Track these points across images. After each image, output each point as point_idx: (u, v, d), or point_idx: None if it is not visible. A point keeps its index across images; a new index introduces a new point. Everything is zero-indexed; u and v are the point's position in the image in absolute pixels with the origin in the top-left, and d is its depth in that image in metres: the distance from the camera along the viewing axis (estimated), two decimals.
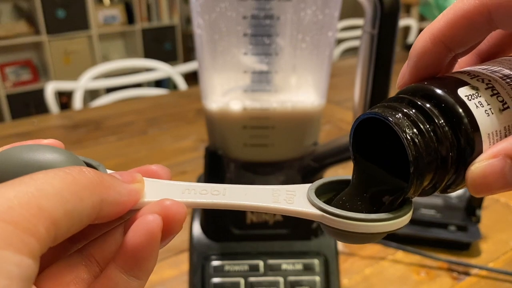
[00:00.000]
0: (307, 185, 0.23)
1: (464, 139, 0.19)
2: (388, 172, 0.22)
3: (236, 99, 0.41)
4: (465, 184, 0.19)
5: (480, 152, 0.19)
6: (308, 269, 0.43)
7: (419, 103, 0.20)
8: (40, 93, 1.83)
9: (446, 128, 0.19)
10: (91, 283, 0.20)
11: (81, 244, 0.21)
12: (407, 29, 2.24)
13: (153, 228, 0.19)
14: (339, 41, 2.00)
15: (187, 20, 3.19)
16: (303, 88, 0.42)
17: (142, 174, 0.22)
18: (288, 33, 0.38)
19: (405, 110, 0.20)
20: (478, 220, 0.58)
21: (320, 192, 0.23)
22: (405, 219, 0.21)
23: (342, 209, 0.21)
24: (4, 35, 2.48)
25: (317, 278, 0.43)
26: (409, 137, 0.19)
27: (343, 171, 0.76)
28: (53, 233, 0.17)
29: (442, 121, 0.19)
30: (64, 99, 2.64)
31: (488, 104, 0.19)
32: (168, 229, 0.20)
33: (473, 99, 0.19)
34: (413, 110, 0.20)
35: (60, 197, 0.17)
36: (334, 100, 1.08)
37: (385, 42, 0.36)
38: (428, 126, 0.19)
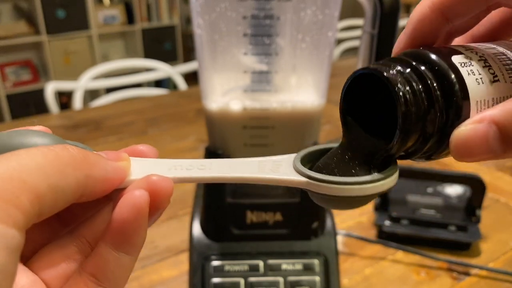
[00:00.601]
0: (294, 155, 0.23)
1: (454, 103, 0.19)
2: (375, 135, 0.22)
3: (236, 99, 0.41)
4: (449, 150, 0.19)
5: (467, 118, 0.19)
6: (308, 269, 0.43)
7: (413, 63, 0.20)
8: (40, 93, 1.83)
9: (438, 92, 0.19)
10: (83, 262, 0.20)
11: (71, 226, 0.22)
12: None
13: (140, 203, 0.19)
14: (339, 41, 2.00)
15: (187, 20, 3.19)
16: (303, 88, 0.42)
17: (129, 154, 0.22)
18: (288, 33, 0.38)
19: (399, 68, 0.20)
20: (478, 220, 0.58)
21: (307, 161, 0.23)
22: (392, 179, 0.21)
23: (328, 175, 0.21)
24: (4, 35, 2.48)
25: (317, 278, 0.43)
26: (401, 93, 0.19)
27: None
28: (37, 207, 0.17)
29: (434, 83, 0.19)
30: (64, 99, 2.64)
31: (480, 74, 0.20)
32: (156, 204, 0.20)
33: (466, 66, 0.20)
34: (408, 70, 0.20)
35: (42, 172, 0.17)
36: (334, 100, 1.07)
37: (385, 42, 0.36)
38: (420, 86, 0.19)
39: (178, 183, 0.22)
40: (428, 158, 0.21)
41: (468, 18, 0.22)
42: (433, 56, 0.20)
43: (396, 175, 0.21)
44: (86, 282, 0.19)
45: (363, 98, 0.22)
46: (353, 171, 0.22)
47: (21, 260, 0.19)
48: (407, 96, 0.19)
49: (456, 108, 0.19)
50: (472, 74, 0.20)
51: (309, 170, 0.22)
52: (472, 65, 0.20)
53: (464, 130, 0.18)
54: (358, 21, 2.05)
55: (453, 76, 0.19)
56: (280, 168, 0.23)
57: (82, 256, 0.20)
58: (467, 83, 0.19)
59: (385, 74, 0.19)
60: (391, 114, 0.20)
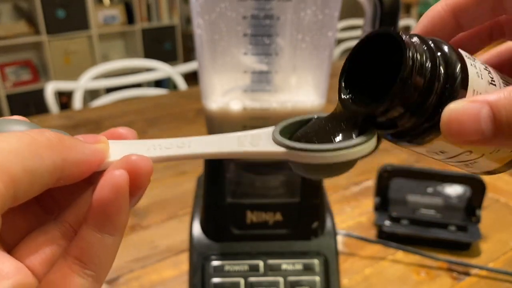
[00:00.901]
0: (273, 127, 0.23)
1: (453, 85, 0.19)
2: (366, 102, 0.22)
3: (236, 99, 0.41)
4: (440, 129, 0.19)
5: None
6: (308, 269, 0.43)
7: (429, 42, 0.20)
8: (40, 93, 1.83)
9: (442, 70, 0.20)
10: (67, 247, 0.20)
11: (54, 213, 0.21)
12: (407, 29, 2.24)
13: (120, 182, 0.19)
14: (339, 41, 2.00)
15: (187, 20, 3.19)
16: (303, 88, 0.42)
17: (109, 137, 0.22)
18: (288, 33, 0.38)
19: (415, 40, 0.20)
20: (478, 220, 0.58)
21: (287, 133, 0.23)
22: (371, 144, 0.21)
23: (307, 144, 0.21)
24: (4, 35, 2.48)
25: (317, 278, 0.43)
26: (410, 56, 0.19)
27: None
28: (12, 191, 0.17)
29: (441, 62, 0.20)
30: (64, 99, 2.64)
31: (480, 71, 0.21)
32: (136, 184, 0.20)
33: (470, 60, 0.20)
34: (421, 43, 0.20)
35: (17, 154, 0.17)
36: (334, 100, 1.07)
37: None
38: (428, 61, 0.20)
39: (158, 162, 0.22)
40: (412, 139, 0.21)
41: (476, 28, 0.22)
42: (443, 42, 0.21)
43: (374, 139, 0.22)
44: (71, 266, 0.19)
45: (366, 64, 0.22)
46: (332, 140, 0.22)
47: (6, 249, 0.19)
48: (415, 63, 0.19)
49: (454, 90, 0.19)
50: (474, 67, 0.20)
51: (288, 140, 0.22)
52: (475, 62, 0.21)
53: (457, 106, 0.18)
54: (358, 21, 2.05)
55: (458, 61, 0.20)
56: (259, 142, 0.23)
57: (66, 241, 0.20)
58: (469, 72, 0.20)
59: (403, 37, 0.20)
60: (388, 86, 0.20)
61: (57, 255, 0.20)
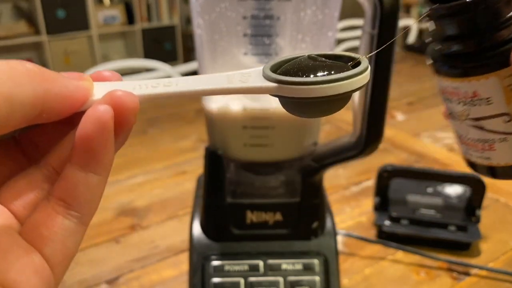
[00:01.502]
0: (262, 65, 0.22)
1: None
2: None
3: (236, 99, 0.41)
4: None
5: None
6: (308, 269, 0.43)
7: None
8: None
9: None
10: (50, 189, 0.19)
11: (37, 159, 0.21)
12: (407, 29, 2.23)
13: (104, 117, 0.18)
14: (339, 41, 2.00)
15: (187, 20, 3.19)
16: None
17: (94, 80, 0.21)
18: (288, 33, 0.38)
19: None
20: (478, 220, 0.58)
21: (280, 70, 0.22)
22: (366, 75, 0.20)
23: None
24: (4, 35, 2.48)
25: (317, 278, 0.43)
26: None
27: (343, 171, 0.76)
28: None
29: None
30: None
31: None
32: (121, 120, 0.19)
33: None
34: None
35: None
36: None
37: (385, 42, 0.36)
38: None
39: (144, 101, 0.21)
40: (468, 64, 0.20)
41: None
42: None
43: (368, 71, 0.21)
44: (54, 207, 0.19)
45: None
46: (325, 73, 0.21)
47: None
48: None
49: None
50: None
51: (278, 75, 0.21)
52: None
53: None
54: (358, 21, 2.05)
55: None
56: (249, 79, 0.22)
57: (50, 185, 0.20)
58: None
59: None
60: None
61: (40, 198, 0.19)
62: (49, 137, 0.21)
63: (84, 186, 0.19)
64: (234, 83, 0.21)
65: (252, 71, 0.22)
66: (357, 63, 0.21)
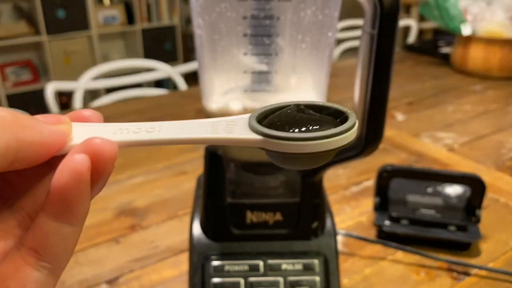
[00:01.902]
0: (248, 114, 0.22)
1: None
2: None
3: (236, 99, 0.41)
4: None
5: None
6: (308, 269, 0.43)
7: None
8: (40, 93, 1.83)
9: None
10: (22, 236, 0.19)
11: (12, 201, 0.20)
12: (407, 29, 2.24)
13: (80, 167, 0.18)
14: (339, 41, 2.00)
15: (187, 20, 3.19)
16: (303, 88, 0.42)
17: (73, 120, 0.20)
18: (288, 33, 0.38)
19: None
20: (478, 220, 0.58)
21: (265, 121, 0.22)
22: (352, 132, 0.21)
23: (285, 131, 0.20)
24: (4, 35, 2.48)
25: (317, 278, 0.43)
26: None
27: (343, 171, 0.76)
28: None
29: None
30: (64, 99, 2.64)
31: None
32: (98, 169, 0.18)
33: None
34: None
35: None
36: (334, 100, 1.07)
37: (385, 42, 0.36)
38: None
39: (125, 147, 0.20)
40: None
41: None
42: None
43: (356, 127, 0.21)
44: (25, 258, 0.18)
45: None
46: (311, 128, 0.21)
47: None
48: None
49: None
50: None
51: (265, 128, 0.21)
52: None
53: None
54: (358, 21, 2.05)
55: None
56: (234, 128, 0.21)
57: (22, 231, 0.19)
58: None
59: None
60: None
61: (11, 246, 0.19)
62: (26, 179, 0.20)
63: (57, 236, 0.18)
64: (219, 133, 0.21)
65: (238, 119, 0.22)
66: (345, 118, 0.21)
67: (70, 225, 0.18)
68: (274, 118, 0.22)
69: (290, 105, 0.22)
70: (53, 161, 0.19)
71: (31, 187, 0.20)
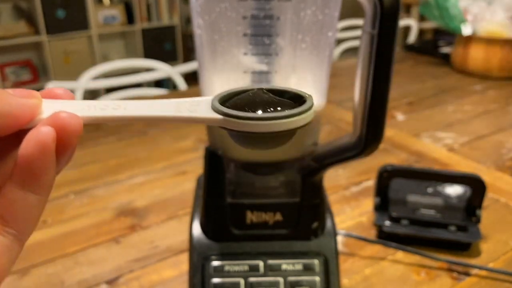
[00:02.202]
0: (212, 96, 0.23)
1: None
2: None
3: None
4: None
5: None
6: (308, 269, 0.43)
7: None
8: None
9: None
10: None
11: None
12: (407, 29, 2.24)
13: (46, 139, 0.19)
14: (339, 41, 2.00)
15: (187, 20, 3.19)
16: (303, 88, 0.42)
17: (45, 97, 0.22)
18: (288, 33, 0.38)
19: None
20: (478, 220, 0.58)
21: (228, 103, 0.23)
22: (310, 114, 0.22)
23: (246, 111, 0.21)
24: (4, 35, 2.48)
25: (317, 278, 0.43)
26: None
27: (343, 171, 0.76)
28: None
29: None
30: None
31: None
32: (63, 142, 0.19)
33: None
34: None
35: None
36: (334, 100, 1.07)
37: (385, 42, 0.36)
38: None
39: (91, 123, 0.21)
40: None
41: None
42: None
43: (311, 111, 0.22)
44: None
45: None
46: (271, 109, 0.22)
47: None
48: None
49: None
50: None
51: (225, 108, 0.22)
52: None
53: None
54: (358, 21, 2.05)
55: None
56: (197, 108, 0.22)
57: None
58: None
59: None
60: None
61: None
62: None
63: (21, 204, 0.19)
64: (182, 112, 0.22)
65: (202, 100, 0.23)
66: (303, 102, 0.22)
67: (35, 194, 0.20)
68: (236, 100, 0.23)
69: (253, 89, 0.24)
70: (22, 135, 0.20)
71: (0, 160, 0.21)
